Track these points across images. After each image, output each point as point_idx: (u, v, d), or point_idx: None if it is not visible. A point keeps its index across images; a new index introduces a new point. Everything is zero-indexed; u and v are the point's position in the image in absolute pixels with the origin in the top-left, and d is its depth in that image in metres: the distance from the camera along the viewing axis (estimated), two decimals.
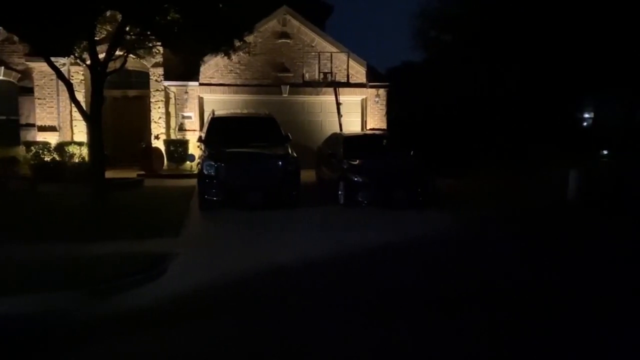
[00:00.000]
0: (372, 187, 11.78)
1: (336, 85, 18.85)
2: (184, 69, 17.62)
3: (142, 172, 16.78)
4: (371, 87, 19.46)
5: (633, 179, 12.89)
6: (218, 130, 12.63)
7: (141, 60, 15.83)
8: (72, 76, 17.28)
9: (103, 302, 5.94)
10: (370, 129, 19.34)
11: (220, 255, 8.04)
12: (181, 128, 18.58)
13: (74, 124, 18.17)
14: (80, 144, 17.23)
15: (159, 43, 12.68)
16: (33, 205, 11.74)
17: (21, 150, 17.10)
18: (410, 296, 6.28)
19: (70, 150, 16.86)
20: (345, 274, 7.20)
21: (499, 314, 5.72)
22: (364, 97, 19.59)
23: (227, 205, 11.25)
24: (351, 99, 19.45)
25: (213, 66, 18.47)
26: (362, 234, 9.49)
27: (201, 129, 16.03)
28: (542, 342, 5.02)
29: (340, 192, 12.14)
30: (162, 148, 17.86)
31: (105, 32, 12.81)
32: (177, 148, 17.85)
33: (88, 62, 11.46)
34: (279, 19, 18.91)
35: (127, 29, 11.58)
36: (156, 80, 18.35)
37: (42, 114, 17.67)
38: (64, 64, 15.93)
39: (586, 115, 22.62)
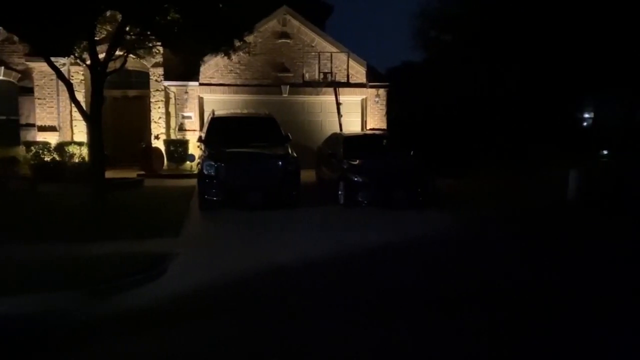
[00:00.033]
0: (372, 187, 11.78)
1: (336, 85, 18.85)
2: (184, 69, 17.63)
3: (142, 172, 16.78)
4: (371, 87, 19.46)
5: (633, 179, 12.89)
6: (218, 130, 12.62)
7: (141, 60, 15.83)
8: (72, 76, 17.28)
9: (103, 302, 5.94)
10: (370, 129, 19.34)
11: (220, 255, 8.04)
12: (181, 128, 18.58)
13: (74, 124, 18.17)
14: (80, 144, 17.23)
15: (159, 43, 12.67)
16: (33, 205, 11.74)
17: (21, 150, 17.10)
18: (410, 296, 6.28)
19: (70, 150, 16.86)
20: (345, 274, 7.20)
21: (499, 314, 5.72)
22: (364, 97, 19.58)
23: (227, 205, 11.25)
24: (351, 99, 19.45)
25: (213, 66, 18.47)
26: (362, 234, 9.49)
27: (201, 129, 16.04)
28: (542, 342, 5.02)
29: (340, 192, 12.14)
30: (162, 148, 17.86)
31: (105, 32, 12.80)
32: (177, 148, 17.85)
33: (88, 62, 11.45)
34: (279, 19, 18.91)
35: (127, 29, 11.57)
36: (156, 80, 18.35)
37: (42, 114, 17.67)
38: (64, 64, 15.93)
39: (586, 115, 22.64)
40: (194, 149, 16.69)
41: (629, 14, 16.76)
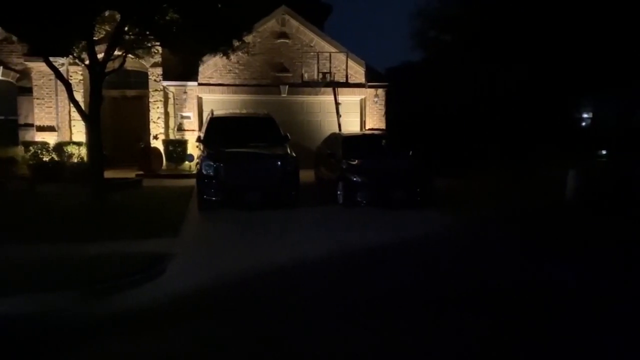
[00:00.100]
0: (371, 187, 11.78)
1: (335, 85, 18.87)
2: (182, 69, 17.63)
3: (141, 172, 16.78)
4: (370, 87, 19.48)
5: (631, 179, 12.89)
6: (217, 130, 12.63)
7: (140, 60, 15.82)
8: (71, 76, 17.27)
9: (102, 302, 5.93)
10: (369, 129, 19.36)
11: (219, 255, 8.03)
12: (180, 128, 18.58)
13: (72, 124, 18.17)
14: (78, 144, 17.23)
15: (158, 43, 12.67)
16: (32, 205, 11.72)
17: (20, 150, 17.10)
18: (410, 296, 6.28)
19: (69, 150, 16.86)
20: (344, 274, 7.19)
21: (498, 313, 5.72)
22: (362, 97, 19.60)
23: (226, 205, 11.24)
24: (350, 99, 19.47)
25: (212, 66, 18.47)
26: (361, 234, 9.49)
27: (200, 129, 16.03)
28: (541, 342, 5.02)
29: (339, 192, 12.14)
30: (161, 148, 17.86)
31: (104, 32, 12.80)
32: (176, 148, 17.85)
33: (87, 62, 11.45)
34: (278, 19, 18.92)
35: (126, 28, 11.57)
36: (155, 80, 18.35)
37: (41, 114, 17.66)
38: (62, 64, 15.94)
39: (585, 116, 22.66)
40: (193, 149, 16.69)
41: (627, 14, 16.77)
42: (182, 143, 17.97)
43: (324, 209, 11.86)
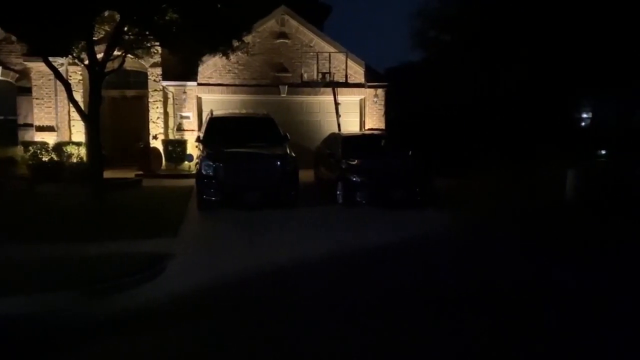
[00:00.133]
0: (370, 187, 11.78)
1: (334, 85, 18.86)
2: (182, 69, 17.59)
3: (140, 172, 16.76)
4: (370, 87, 19.47)
5: (631, 178, 12.89)
6: (216, 130, 12.62)
7: (139, 60, 15.80)
8: (70, 76, 17.25)
9: (102, 302, 5.93)
10: (369, 129, 19.36)
11: (219, 255, 8.03)
12: (179, 128, 18.57)
13: (72, 124, 18.14)
14: (78, 144, 17.21)
15: (158, 43, 12.65)
16: (31, 205, 11.71)
17: (19, 150, 17.08)
18: (409, 296, 6.28)
19: (69, 150, 16.84)
20: (344, 273, 7.19)
21: (498, 313, 5.72)
22: (362, 97, 19.60)
23: (225, 205, 11.24)
24: (349, 99, 19.46)
25: (211, 66, 18.47)
26: (360, 234, 9.49)
27: (199, 129, 16.02)
28: (541, 341, 5.02)
29: (338, 192, 12.14)
30: (161, 148, 17.85)
31: (103, 32, 12.79)
32: (176, 148, 17.83)
33: (86, 62, 11.44)
34: (277, 19, 18.91)
35: (126, 29, 11.56)
36: (154, 80, 18.33)
37: (40, 114, 17.65)
38: (62, 64, 15.94)
39: (584, 116, 22.67)
40: (192, 149, 16.68)
41: (627, 14, 16.78)
42: (182, 143, 17.96)
43: (323, 208, 11.85)
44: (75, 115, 16.35)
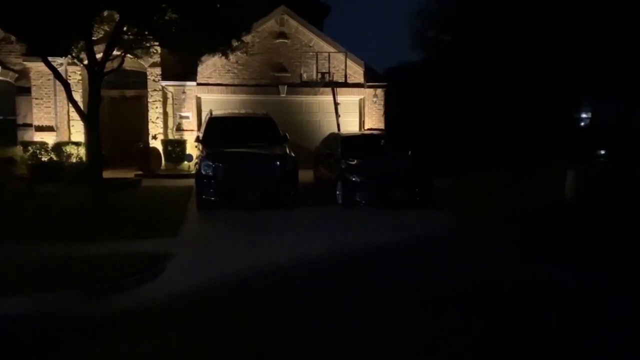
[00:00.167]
0: (370, 187, 11.78)
1: (334, 85, 18.87)
2: (181, 68, 17.61)
3: (140, 172, 16.76)
4: (369, 87, 19.47)
5: (631, 178, 12.90)
6: (216, 130, 12.62)
7: (139, 60, 15.81)
8: (70, 76, 17.24)
9: (102, 302, 5.92)
10: (368, 129, 19.36)
11: (219, 255, 8.03)
12: (179, 128, 18.57)
13: (71, 124, 18.15)
14: (77, 144, 17.20)
15: (157, 43, 12.65)
16: (31, 205, 11.70)
17: (18, 150, 17.07)
18: (409, 296, 6.28)
19: (68, 150, 16.83)
20: (343, 273, 7.19)
21: (498, 313, 5.72)
22: (361, 97, 19.60)
23: (225, 205, 11.24)
24: (349, 99, 19.46)
25: (211, 66, 18.46)
26: (360, 234, 9.49)
27: (199, 129, 16.03)
28: (541, 341, 5.02)
29: (338, 192, 12.14)
30: (160, 148, 17.84)
31: (102, 32, 12.78)
32: (175, 148, 17.83)
33: (85, 62, 11.44)
34: (277, 18, 18.91)
35: (125, 28, 11.56)
36: (154, 80, 18.33)
37: (40, 114, 17.64)
38: (61, 64, 15.93)
39: (584, 116, 22.68)
40: (192, 149, 16.67)
41: (627, 15, 16.79)
42: (181, 143, 17.95)
43: (323, 208, 11.85)
44: (74, 115, 16.34)
